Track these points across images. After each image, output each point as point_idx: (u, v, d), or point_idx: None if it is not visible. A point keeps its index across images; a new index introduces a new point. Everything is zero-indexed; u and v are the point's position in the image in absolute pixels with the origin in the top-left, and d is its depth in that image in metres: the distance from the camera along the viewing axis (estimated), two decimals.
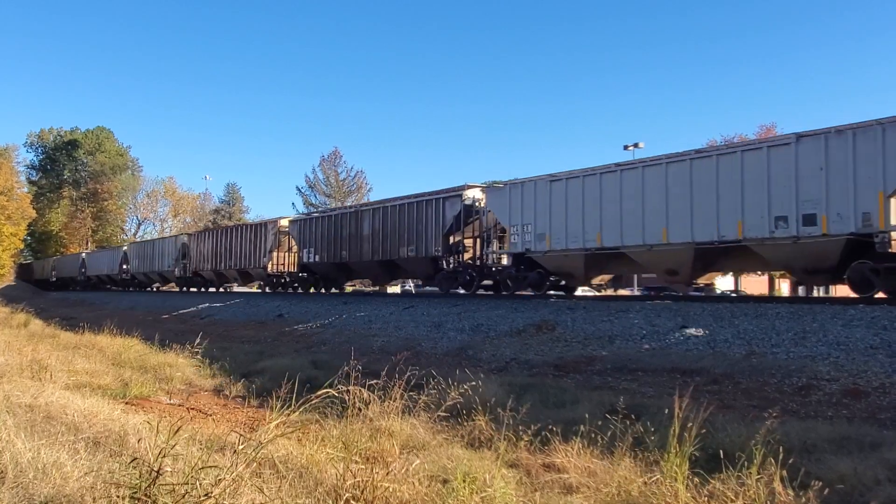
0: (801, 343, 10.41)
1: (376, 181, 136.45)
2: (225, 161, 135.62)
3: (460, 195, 21.44)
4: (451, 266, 21.96)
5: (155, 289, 47.53)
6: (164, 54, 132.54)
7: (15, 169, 67.93)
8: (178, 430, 4.09)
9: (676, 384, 8.40)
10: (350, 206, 27.23)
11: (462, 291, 21.88)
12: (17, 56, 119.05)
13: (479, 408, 7.10)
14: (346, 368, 6.68)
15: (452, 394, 7.30)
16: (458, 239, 21.83)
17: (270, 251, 31.41)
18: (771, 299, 13.97)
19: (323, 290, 29.71)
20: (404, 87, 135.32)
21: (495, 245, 20.89)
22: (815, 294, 25.07)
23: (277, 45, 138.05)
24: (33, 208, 68.82)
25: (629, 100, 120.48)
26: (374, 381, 6.69)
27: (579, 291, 27.13)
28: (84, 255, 61.32)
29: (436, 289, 23.94)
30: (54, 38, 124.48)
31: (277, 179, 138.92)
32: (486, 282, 21.50)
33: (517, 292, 19.97)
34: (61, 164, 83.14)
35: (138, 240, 66.51)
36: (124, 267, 49.53)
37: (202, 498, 3.64)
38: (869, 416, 7.64)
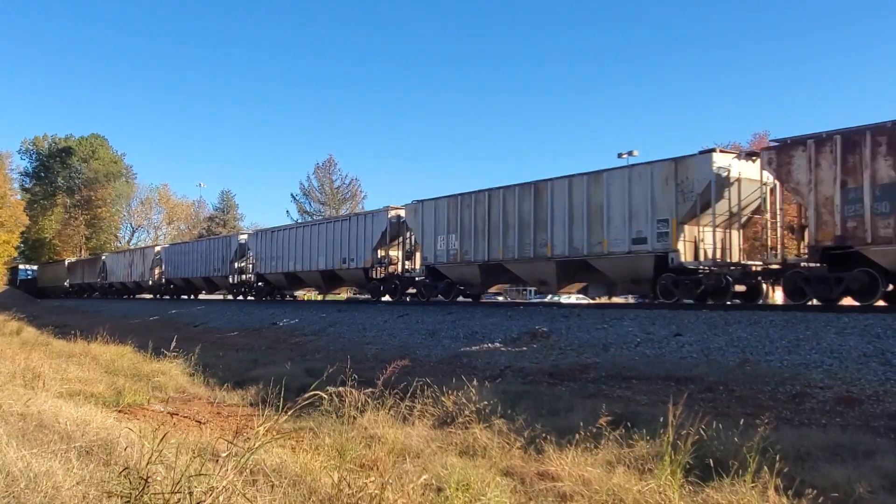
0: (794, 351, 10.44)
1: (371, 189, 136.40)
2: (219, 168, 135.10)
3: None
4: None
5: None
6: (159, 62, 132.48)
7: (8, 176, 67.34)
8: (163, 438, 4.08)
9: (671, 392, 8.40)
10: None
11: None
12: (11, 63, 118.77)
13: (474, 416, 7.09)
14: (334, 372, 6.67)
15: (447, 402, 7.30)
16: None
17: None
18: (764, 307, 14.01)
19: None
20: (399, 97, 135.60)
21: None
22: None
23: (272, 54, 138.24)
24: (27, 215, 68.42)
25: (624, 107, 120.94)
26: (369, 388, 6.69)
27: (573, 300, 27.20)
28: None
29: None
30: (49, 46, 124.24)
31: (272, 187, 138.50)
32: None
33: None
34: (55, 172, 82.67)
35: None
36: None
37: None
38: (863, 423, 7.66)
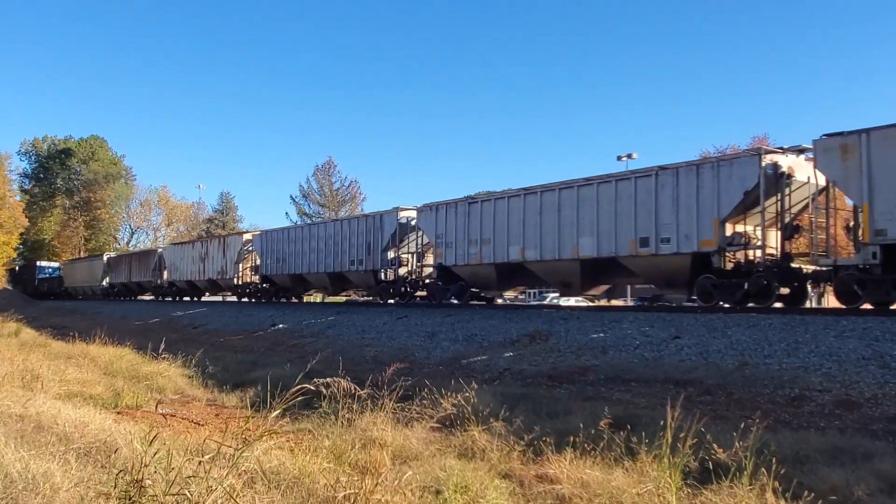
0: (793, 354, 10.43)
1: (370, 191, 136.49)
2: (219, 170, 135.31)
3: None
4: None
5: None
6: (158, 64, 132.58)
7: (8, 177, 67.39)
8: (154, 438, 4.08)
9: (669, 395, 8.40)
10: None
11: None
12: (11, 64, 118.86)
13: (473, 418, 7.09)
14: (331, 374, 6.65)
15: (446, 404, 7.29)
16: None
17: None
18: (763, 310, 13.99)
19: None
20: (398, 98, 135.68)
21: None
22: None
23: (271, 55, 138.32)
24: (26, 217, 68.42)
25: (623, 108, 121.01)
26: (366, 390, 6.68)
27: (572, 302, 27.20)
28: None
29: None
30: (49, 47, 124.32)
31: (271, 188, 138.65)
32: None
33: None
34: (54, 173, 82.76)
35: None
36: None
37: None
38: (861, 426, 7.66)
